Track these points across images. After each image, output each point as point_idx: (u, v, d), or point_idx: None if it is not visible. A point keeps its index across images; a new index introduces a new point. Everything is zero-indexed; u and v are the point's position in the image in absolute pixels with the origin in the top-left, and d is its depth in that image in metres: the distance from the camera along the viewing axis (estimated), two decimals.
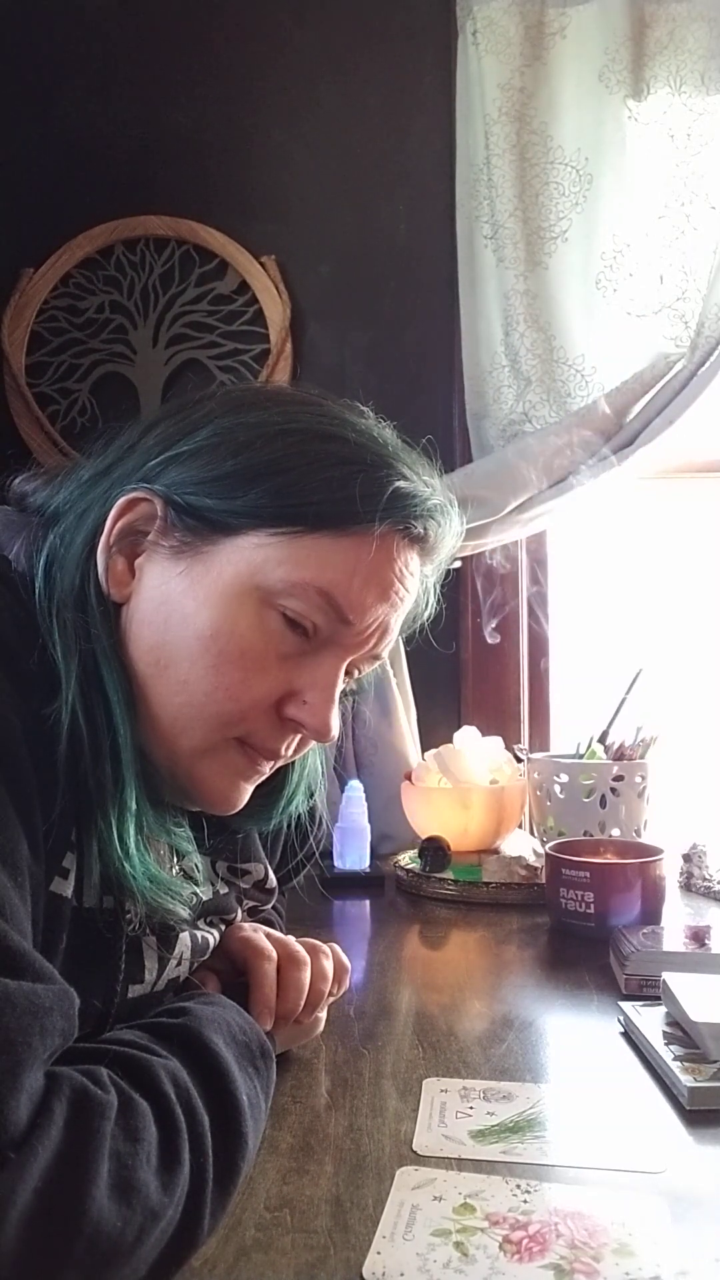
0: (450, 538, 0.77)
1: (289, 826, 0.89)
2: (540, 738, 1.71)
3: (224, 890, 0.83)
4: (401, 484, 0.71)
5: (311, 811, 0.88)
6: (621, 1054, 0.85)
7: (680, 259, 1.52)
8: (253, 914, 0.88)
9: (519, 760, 1.50)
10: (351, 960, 0.87)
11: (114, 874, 0.65)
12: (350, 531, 0.69)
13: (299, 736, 0.73)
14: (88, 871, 0.65)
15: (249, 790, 0.74)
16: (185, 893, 0.71)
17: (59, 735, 0.62)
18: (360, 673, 0.76)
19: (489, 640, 1.67)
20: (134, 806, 0.67)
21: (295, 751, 0.75)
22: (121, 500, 0.69)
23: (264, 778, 0.74)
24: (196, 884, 0.77)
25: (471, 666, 1.70)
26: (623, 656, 1.59)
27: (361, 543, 0.69)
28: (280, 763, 0.74)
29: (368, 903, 1.34)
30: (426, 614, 0.82)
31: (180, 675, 0.68)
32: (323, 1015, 0.83)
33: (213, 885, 0.81)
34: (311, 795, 0.86)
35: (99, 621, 0.67)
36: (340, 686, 0.72)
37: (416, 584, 0.75)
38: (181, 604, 0.68)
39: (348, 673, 0.74)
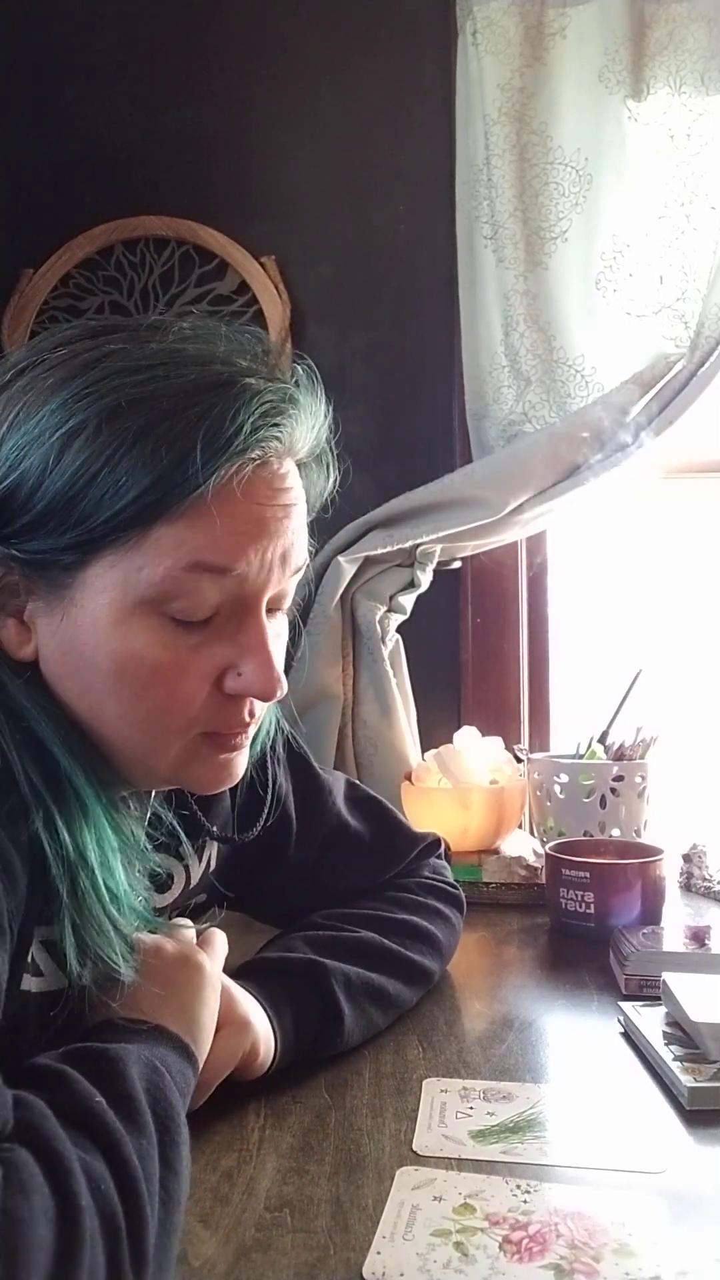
0: (305, 418, 0.70)
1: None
2: (540, 738, 1.71)
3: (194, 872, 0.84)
4: (213, 422, 0.64)
5: (262, 770, 0.89)
6: (621, 1054, 0.85)
7: (680, 259, 1.52)
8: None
9: (519, 760, 1.50)
10: None
11: (95, 928, 0.65)
12: (184, 508, 0.64)
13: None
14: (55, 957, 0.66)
15: (243, 759, 0.74)
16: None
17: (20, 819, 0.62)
18: (287, 598, 0.73)
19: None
20: (115, 846, 0.67)
21: (262, 709, 0.74)
22: None
23: (249, 740, 0.74)
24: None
25: (471, 666, 1.70)
26: (623, 656, 1.59)
27: (200, 511, 0.64)
28: (255, 724, 0.74)
29: None
30: (330, 484, 0.77)
31: (114, 713, 0.68)
32: None
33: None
34: (261, 747, 0.86)
35: (19, 691, 0.66)
36: (271, 631, 0.70)
37: (296, 484, 0.70)
38: (80, 650, 0.67)
39: (271, 610, 0.71)
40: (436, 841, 1.09)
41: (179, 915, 0.87)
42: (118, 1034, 0.63)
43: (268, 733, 0.85)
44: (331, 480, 0.77)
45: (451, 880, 1.06)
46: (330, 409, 0.74)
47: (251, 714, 0.72)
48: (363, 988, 0.84)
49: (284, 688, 0.70)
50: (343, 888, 0.98)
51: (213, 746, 0.71)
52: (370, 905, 0.96)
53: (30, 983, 0.66)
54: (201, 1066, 0.68)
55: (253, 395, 0.66)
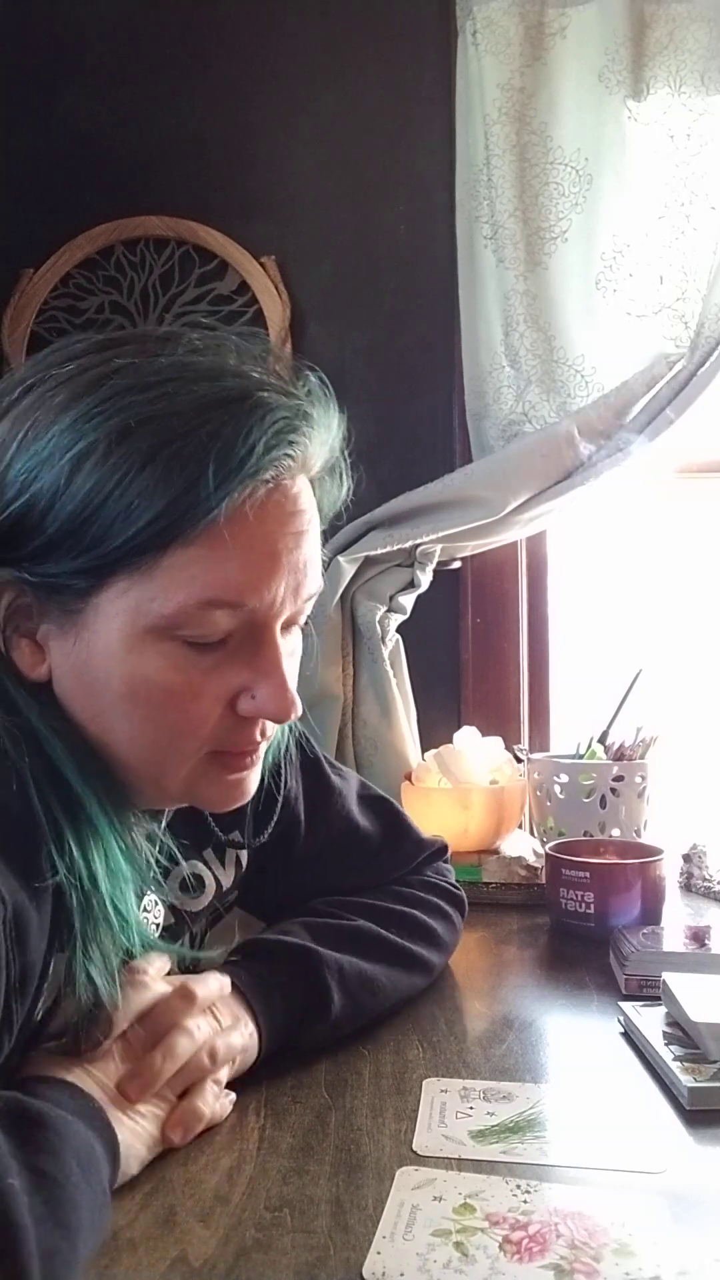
0: (319, 433, 0.68)
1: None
2: (540, 738, 1.71)
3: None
4: (225, 442, 0.62)
5: (277, 786, 0.88)
6: (621, 1054, 0.85)
7: (680, 259, 1.52)
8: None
9: (519, 760, 1.50)
10: None
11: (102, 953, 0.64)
12: (197, 533, 0.63)
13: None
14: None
15: (254, 776, 0.74)
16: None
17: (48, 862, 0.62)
18: (302, 616, 0.72)
19: None
20: (124, 869, 0.67)
21: (273, 729, 0.73)
22: None
23: (261, 758, 0.74)
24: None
25: (471, 666, 1.69)
26: (623, 656, 1.59)
27: (213, 535, 0.63)
28: (267, 742, 0.73)
29: None
30: (345, 492, 0.76)
31: (126, 733, 0.67)
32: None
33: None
34: (276, 765, 0.86)
35: (34, 715, 0.66)
36: (285, 653, 0.69)
37: (310, 503, 0.69)
38: (92, 673, 0.66)
39: (286, 628, 0.70)
40: (444, 848, 1.09)
41: (213, 917, 0.88)
42: (60, 1093, 0.61)
43: (278, 745, 0.84)
44: (345, 489, 0.76)
45: (454, 882, 1.07)
46: (344, 418, 0.72)
47: (264, 734, 0.71)
48: (355, 976, 0.84)
49: (298, 709, 0.69)
50: (346, 887, 0.98)
51: (223, 767, 0.71)
52: (371, 896, 0.96)
53: (40, 1008, 0.65)
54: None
55: (265, 413, 0.64)
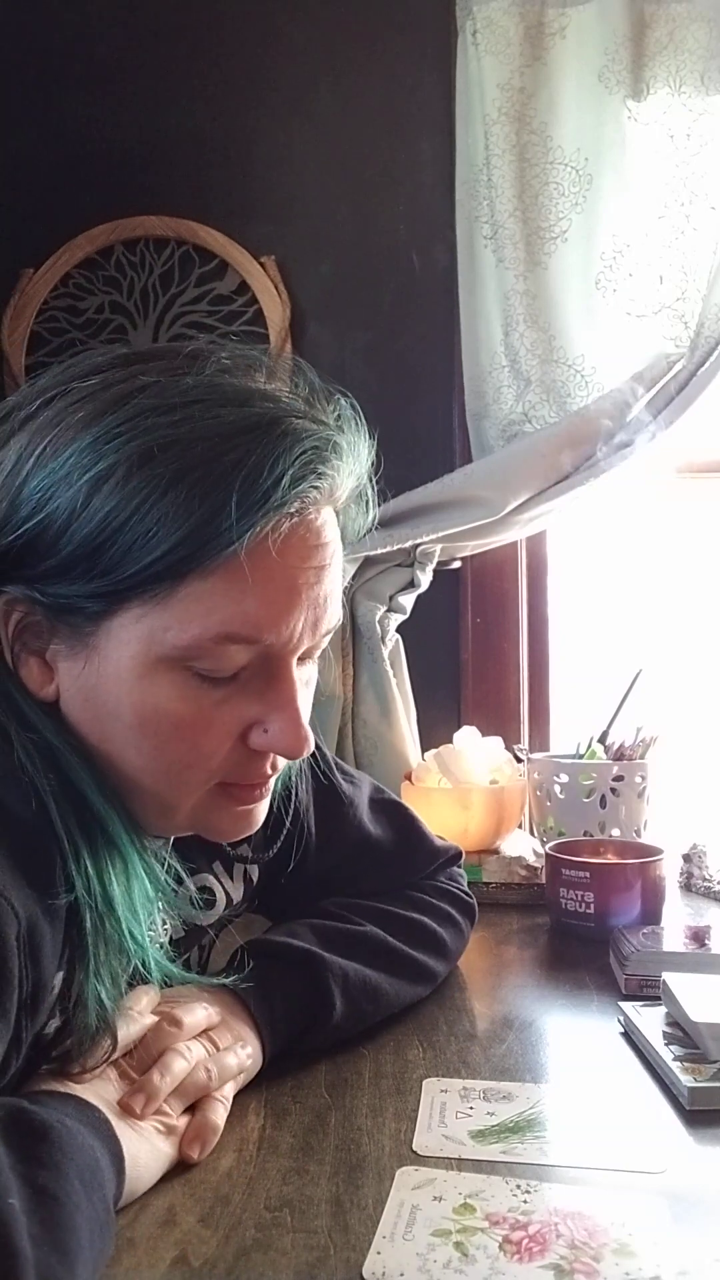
0: (348, 462, 0.67)
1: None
2: (540, 738, 1.71)
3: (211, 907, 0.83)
4: (250, 471, 0.61)
5: (286, 799, 0.86)
6: (621, 1054, 0.85)
7: (680, 259, 1.53)
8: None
9: (519, 760, 1.50)
10: None
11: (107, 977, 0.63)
12: (217, 565, 0.61)
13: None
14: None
15: (263, 808, 0.72)
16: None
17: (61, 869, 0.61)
18: (319, 649, 0.71)
19: None
20: (148, 889, 0.66)
21: (284, 762, 0.72)
22: None
23: (270, 790, 0.73)
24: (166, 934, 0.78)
25: (471, 666, 1.70)
26: (623, 656, 1.59)
27: (233, 568, 0.61)
28: (277, 774, 0.72)
29: None
30: (370, 520, 0.74)
31: (134, 763, 0.66)
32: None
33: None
34: (287, 781, 0.84)
35: (50, 731, 0.64)
36: (300, 683, 0.68)
37: (334, 534, 0.67)
38: (100, 699, 0.65)
39: (303, 660, 0.69)
40: (458, 855, 1.08)
41: (222, 926, 0.88)
42: (65, 1104, 0.59)
43: (288, 765, 0.82)
44: (371, 516, 0.73)
45: (466, 889, 1.05)
46: (374, 444, 0.70)
47: (274, 767, 0.70)
48: (359, 984, 0.84)
49: (310, 745, 0.68)
50: (358, 893, 0.97)
51: (231, 798, 0.70)
52: (383, 900, 0.95)
53: (50, 1026, 0.64)
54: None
55: (293, 442, 0.63)
